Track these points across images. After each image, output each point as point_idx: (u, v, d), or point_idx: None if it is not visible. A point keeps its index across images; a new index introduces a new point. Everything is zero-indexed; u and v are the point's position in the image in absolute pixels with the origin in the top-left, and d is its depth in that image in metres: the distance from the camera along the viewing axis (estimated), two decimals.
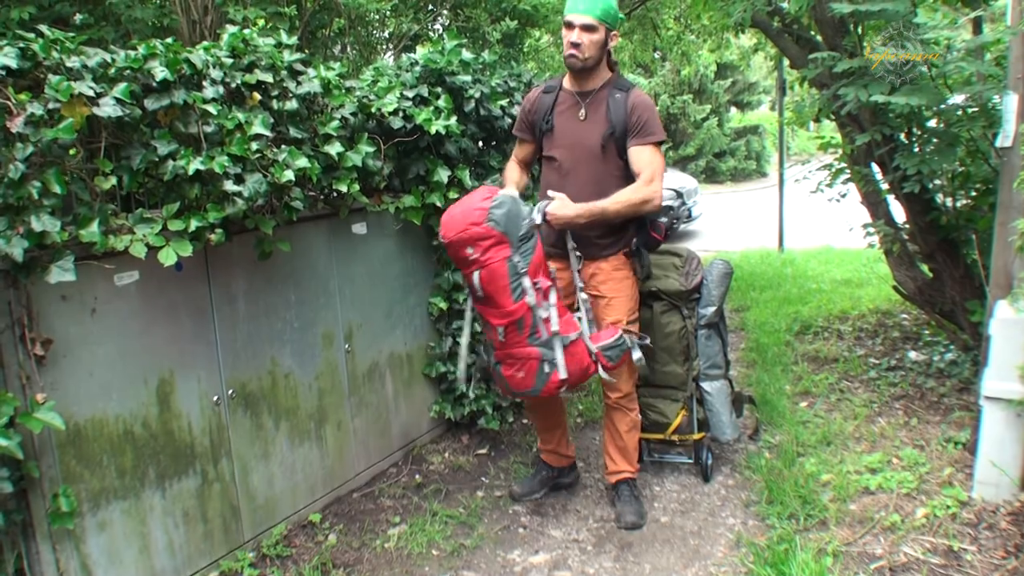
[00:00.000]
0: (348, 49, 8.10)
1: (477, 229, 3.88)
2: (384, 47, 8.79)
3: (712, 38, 12.90)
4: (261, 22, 5.12)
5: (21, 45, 3.06)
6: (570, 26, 4.21)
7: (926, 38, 4.45)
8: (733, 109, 30.53)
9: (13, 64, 2.96)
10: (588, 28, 4.19)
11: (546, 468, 4.90)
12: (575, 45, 4.19)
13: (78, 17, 6.68)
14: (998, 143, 4.32)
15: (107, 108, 3.15)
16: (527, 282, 3.93)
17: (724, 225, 17.60)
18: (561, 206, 4.13)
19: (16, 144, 2.92)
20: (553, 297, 4.05)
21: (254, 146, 3.64)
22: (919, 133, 5.31)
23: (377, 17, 8.09)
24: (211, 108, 3.52)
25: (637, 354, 4.31)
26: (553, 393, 4.10)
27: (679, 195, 15.68)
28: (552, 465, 4.89)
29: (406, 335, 5.28)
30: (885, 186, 5.81)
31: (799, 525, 4.31)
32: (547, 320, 4.00)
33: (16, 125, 2.90)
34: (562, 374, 3.97)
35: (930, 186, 5.52)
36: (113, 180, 3.30)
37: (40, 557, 3.27)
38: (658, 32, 13.28)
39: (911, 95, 4.44)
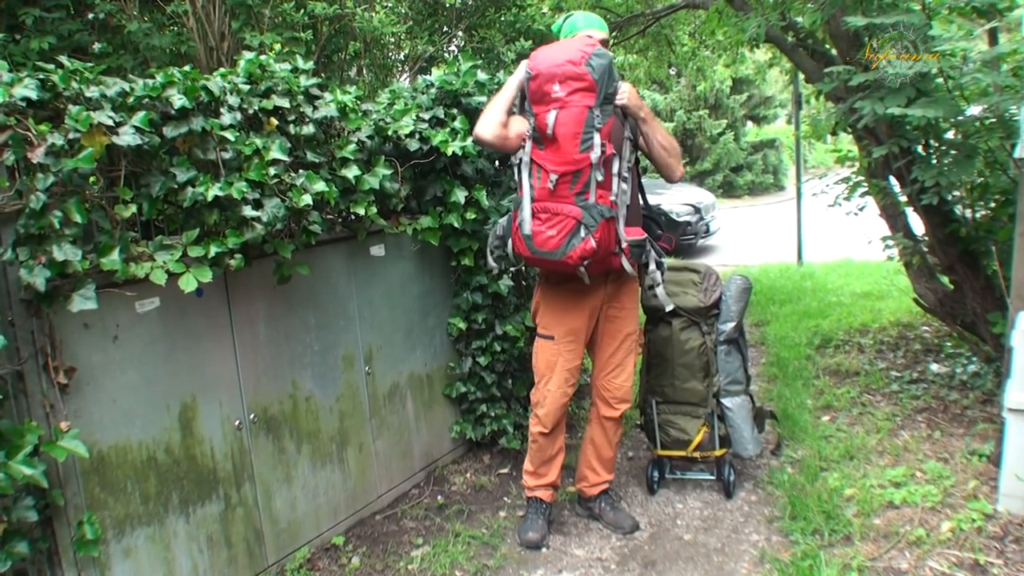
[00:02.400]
0: (364, 71, 8.15)
1: (574, 68, 3.88)
2: (400, 69, 8.84)
3: (727, 53, 12.90)
4: (277, 47, 5.14)
5: (41, 76, 3.09)
6: (606, 44, 4.30)
7: (941, 49, 4.44)
8: (749, 123, 30.47)
9: (33, 95, 2.98)
10: (604, 44, 4.28)
11: (545, 505, 4.77)
12: None
13: (97, 46, 6.76)
14: (1016, 154, 4.29)
15: (126, 137, 3.18)
16: (598, 138, 3.92)
17: (742, 239, 17.56)
18: (635, 93, 4.21)
19: (37, 174, 2.95)
20: (615, 167, 4.06)
21: (272, 171, 3.67)
22: (936, 145, 5.29)
23: (392, 40, 8.13)
24: (229, 134, 3.55)
25: (657, 275, 4.39)
26: (573, 262, 4.00)
27: (697, 210, 15.68)
28: (548, 502, 4.78)
29: (426, 356, 5.29)
30: (903, 198, 5.79)
31: (823, 541, 4.29)
32: (601, 185, 4.00)
33: (37, 156, 2.93)
34: (593, 244, 3.96)
35: (948, 198, 5.49)
36: (133, 208, 3.32)
37: None
38: (672, 48, 13.29)
39: (928, 107, 4.42)
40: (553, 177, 3.96)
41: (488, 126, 4.07)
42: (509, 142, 4.11)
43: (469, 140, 4.78)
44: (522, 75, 4.06)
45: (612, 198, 4.04)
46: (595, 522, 4.82)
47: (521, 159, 4.08)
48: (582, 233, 3.97)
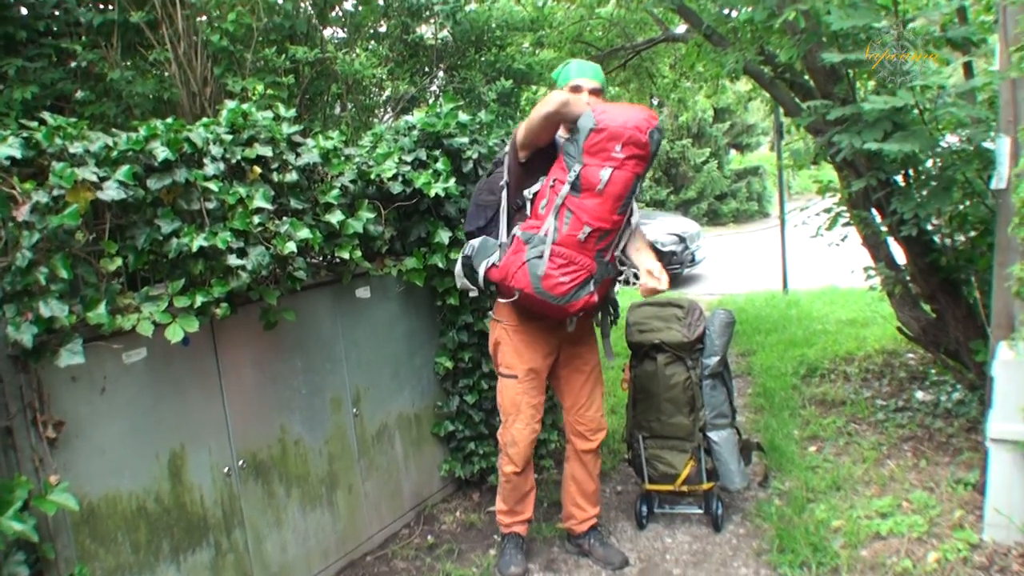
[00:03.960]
0: (347, 110, 8.19)
1: (639, 136, 3.92)
2: (382, 110, 8.89)
3: (707, 85, 13.00)
4: (260, 87, 5.18)
5: (25, 135, 3.13)
6: (578, 89, 4.33)
7: (915, 84, 4.50)
8: (732, 151, 30.67)
9: (17, 154, 3.02)
10: (596, 92, 4.34)
11: (523, 540, 4.83)
12: None
13: (80, 94, 6.78)
14: (992, 185, 4.36)
15: (111, 191, 3.21)
16: (634, 204, 4.14)
17: (728, 268, 17.64)
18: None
19: (23, 232, 2.97)
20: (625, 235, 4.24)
21: (256, 220, 3.69)
22: (915, 176, 5.35)
23: (374, 81, 8.18)
24: (212, 185, 3.58)
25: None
26: (573, 312, 4.11)
27: (682, 240, 15.75)
28: (524, 536, 4.85)
29: (413, 396, 5.31)
30: (884, 229, 5.85)
31: (811, 573, 4.31)
32: (615, 247, 4.18)
33: (22, 214, 2.96)
34: (596, 298, 4.10)
35: (928, 228, 5.55)
36: (119, 261, 3.35)
37: None
38: (654, 80, 13.39)
39: (904, 141, 4.48)
40: (587, 230, 3.99)
41: (525, 134, 4.15)
42: (547, 137, 4.19)
43: (452, 181, 4.82)
44: (583, 121, 4.01)
45: (617, 256, 4.21)
46: (584, 560, 4.83)
47: (547, 199, 4.10)
48: (591, 287, 4.07)
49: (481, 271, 4.28)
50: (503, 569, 4.67)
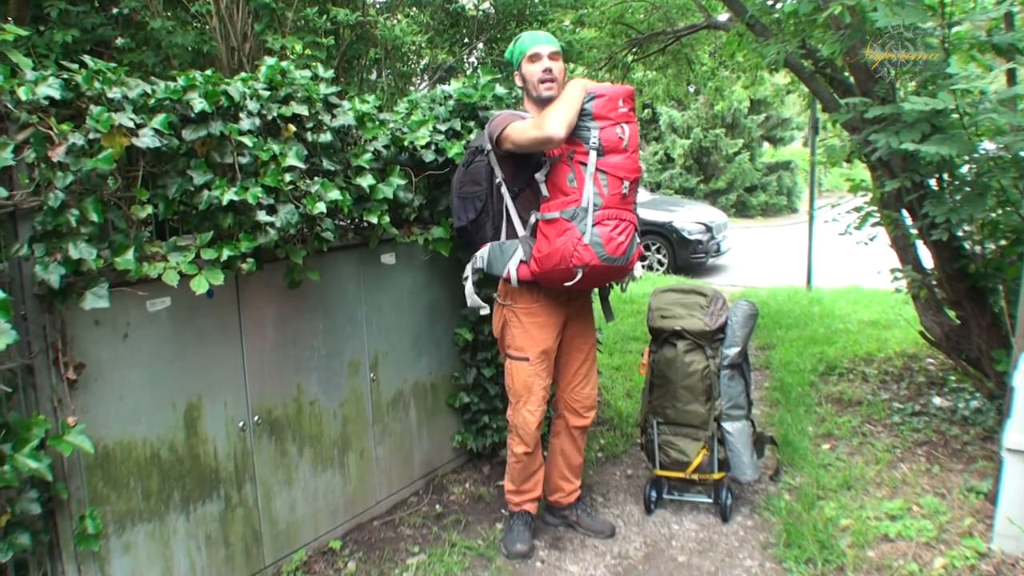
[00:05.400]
0: (383, 77, 8.18)
1: (630, 89, 4.14)
2: (419, 78, 8.87)
3: (746, 75, 12.93)
4: (299, 47, 5.18)
5: (65, 76, 3.14)
6: (537, 57, 4.33)
7: (957, 88, 4.45)
8: (765, 144, 30.46)
9: (56, 95, 3.03)
10: (555, 56, 4.36)
11: (532, 517, 4.84)
12: (548, 72, 4.31)
13: (120, 41, 6.80)
14: None
15: (146, 139, 3.22)
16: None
17: (753, 260, 17.56)
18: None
19: (57, 173, 2.99)
20: None
21: (288, 177, 3.70)
22: (949, 180, 5.31)
23: (413, 48, 8.16)
24: (247, 140, 3.59)
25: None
26: (631, 267, 4.25)
27: (708, 229, 15.68)
28: (534, 514, 4.86)
29: (431, 364, 5.32)
30: (914, 232, 5.81)
31: (816, 570, 4.30)
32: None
33: (57, 154, 2.97)
34: (641, 248, 4.29)
35: (959, 234, 5.51)
36: (149, 209, 3.37)
37: None
38: (692, 67, 13.32)
39: (942, 144, 4.43)
40: (626, 184, 4.07)
41: (568, 127, 3.98)
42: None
43: None
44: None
45: None
46: (590, 539, 4.84)
47: (573, 171, 4.08)
48: (637, 239, 4.20)
49: (513, 274, 4.28)
50: (509, 546, 4.69)
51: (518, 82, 4.50)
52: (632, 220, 4.14)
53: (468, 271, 4.44)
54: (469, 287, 4.42)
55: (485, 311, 4.52)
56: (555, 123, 3.91)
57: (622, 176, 4.05)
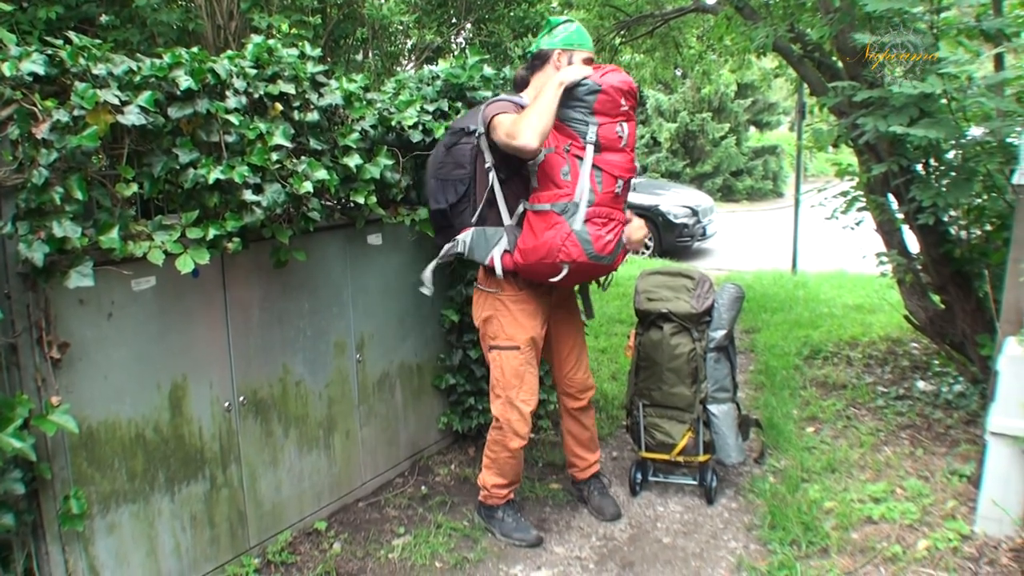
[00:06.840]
0: (371, 57, 8.14)
1: (633, 87, 4.12)
2: (406, 58, 8.84)
3: (734, 59, 12.92)
4: (285, 26, 5.14)
5: (49, 52, 3.11)
6: (590, 61, 4.33)
7: (946, 72, 4.45)
8: (752, 128, 30.50)
9: (40, 71, 3.00)
10: (589, 61, 4.36)
11: (516, 503, 4.82)
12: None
13: (104, 18, 6.74)
14: (1014, 180, 4.32)
15: (131, 116, 3.19)
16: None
17: (739, 244, 17.60)
18: None
19: (41, 150, 2.96)
20: None
21: (274, 156, 3.69)
22: (936, 165, 5.31)
23: (400, 28, 8.13)
24: (233, 118, 3.57)
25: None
26: (617, 266, 4.30)
27: (694, 212, 15.71)
28: (514, 499, 4.83)
29: (417, 346, 5.31)
30: (900, 216, 5.82)
31: (800, 552, 4.32)
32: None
33: (41, 131, 2.94)
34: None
35: (944, 219, 5.52)
36: (134, 187, 3.33)
37: (49, 558, 3.31)
38: (679, 50, 13.31)
39: (930, 128, 4.44)
40: (620, 182, 4.09)
41: (542, 136, 3.86)
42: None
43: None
44: (588, 86, 4.00)
45: None
46: (576, 520, 4.85)
47: (568, 164, 4.03)
48: (623, 238, 4.18)
49: (498, 262, 4.21)
50: (524, 537, 4.64)
51: (553, 59, 4.29)
52: (622, 219, 4.15)
53: (443, 252, 4.34)
54: (431, 268, 4.38)
55: (428, 293, 4.44)
56: (528, 135, 3.81)
57: (617, 174, 4.06)
